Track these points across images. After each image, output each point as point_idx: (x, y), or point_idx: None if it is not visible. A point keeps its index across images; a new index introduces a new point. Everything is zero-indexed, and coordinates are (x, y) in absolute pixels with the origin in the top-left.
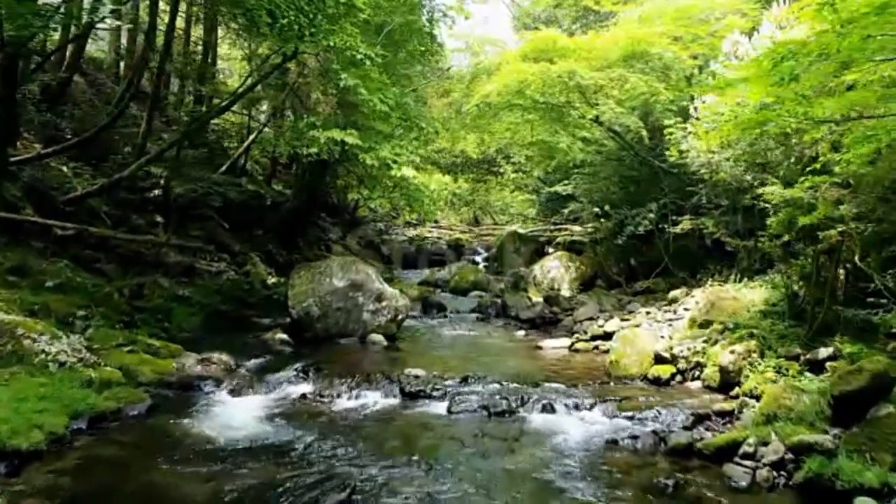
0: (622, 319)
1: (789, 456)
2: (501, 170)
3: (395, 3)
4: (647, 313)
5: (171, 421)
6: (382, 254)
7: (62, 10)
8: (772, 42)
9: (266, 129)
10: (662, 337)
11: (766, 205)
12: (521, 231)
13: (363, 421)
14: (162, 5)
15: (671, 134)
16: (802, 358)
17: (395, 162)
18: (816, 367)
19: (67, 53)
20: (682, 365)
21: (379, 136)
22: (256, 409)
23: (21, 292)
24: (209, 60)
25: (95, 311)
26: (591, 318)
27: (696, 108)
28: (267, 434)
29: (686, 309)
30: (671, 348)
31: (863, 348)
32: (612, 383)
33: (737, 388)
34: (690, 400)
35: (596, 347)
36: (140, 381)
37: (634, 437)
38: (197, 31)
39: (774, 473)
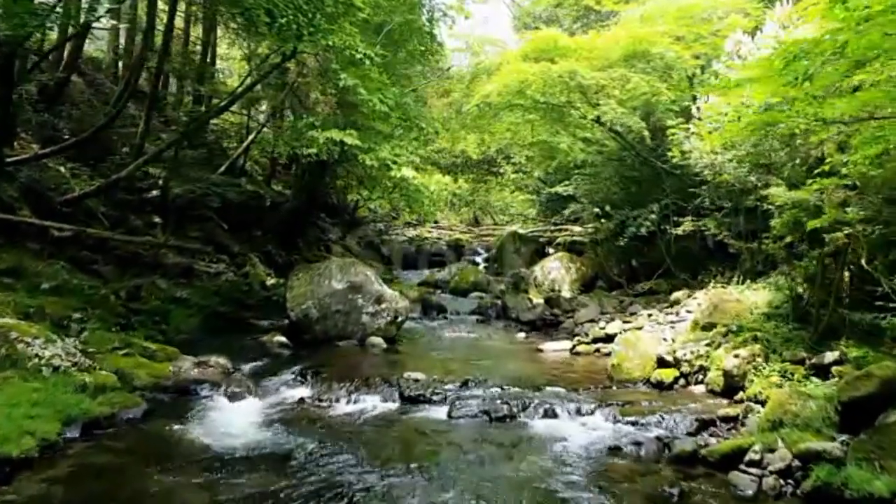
0: (624, 322)
1: (796, 463)
2: (502, 170)
3: (395, 2)
4: (649, 315)
5: (167, 426)
6: (382, 254)
7: (58, 9)
8: (777, 41)
9: (265, 130)
10: (665, 340)
11: (770, 206)
12: (521, 231)
13: (362, 426)
14: (161, 4)
15: (674, 135)
16: (808, 362)
17: (394, 162)
18: (822, 371)
19: (65, 53)
20: (685, 368)
21: (378, 136)
22: (254, 414)
23: (16, 295)
24: (208, 60)
25: (91, 313)
26: (592, 320)
27: (698, 109)
28: (264, 440)
29: (688, 311)
30: (674, 352)
31: (869, 352)
32: (614, 387)
33: (741, 393)
34: (694, 405)
35: (597, 350)
36: (135, 385)
37: (638, 444)
38: (196, 31)
39: (781, 482)
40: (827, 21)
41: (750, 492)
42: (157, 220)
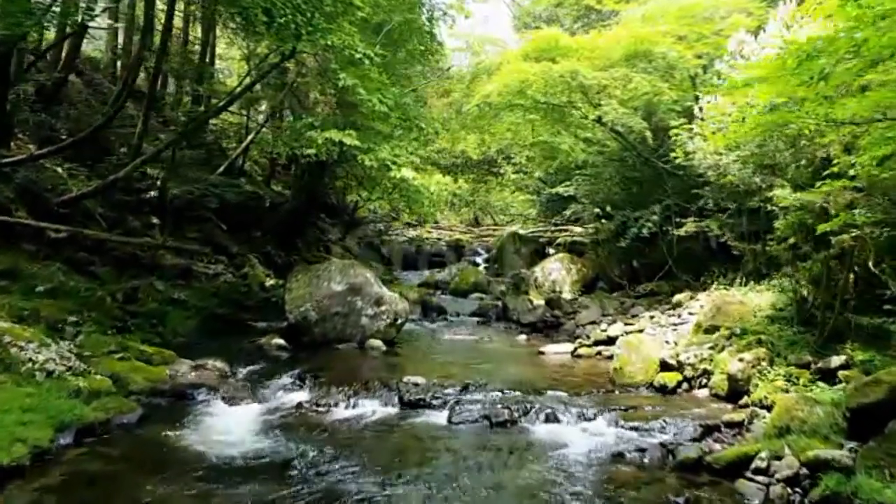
0: (625, 324)
1: (804, 471)
2: (502, 170)
3: (395, 1)
4: (651, 317)
5: (163, 432)
6: (382, 255)
7: (54, 8)
8: (784, 41)
9: (264, 130)
10: (667, 342)
11: (774, 207)
12: (521, 232)
13: (361, 432)
14: (159, 4)
15: (677, 135)
16: (813, 366)
17: (394, 163)
18: (828, 375)
19: (63, 53)
20: (688, 372)
21: (378, 136)
22: (251, 420)
23: (11, 297)
24: (207, 60)
25: (87, 316)
26: (593, 322)
27: (700, 109)
28: (261, 447)
29: (691, 313)
30: (677, 355)
31: (875, 356)
32: (616, 391)
33: (746, 397)
34: (698, 409)
35: (599, 353)
36: (131, 389)
37: (641, 451)
38: (195, 31)
39: (789, 490)
40: (838, 19)
41: (757, 501)
42: (155, 220)
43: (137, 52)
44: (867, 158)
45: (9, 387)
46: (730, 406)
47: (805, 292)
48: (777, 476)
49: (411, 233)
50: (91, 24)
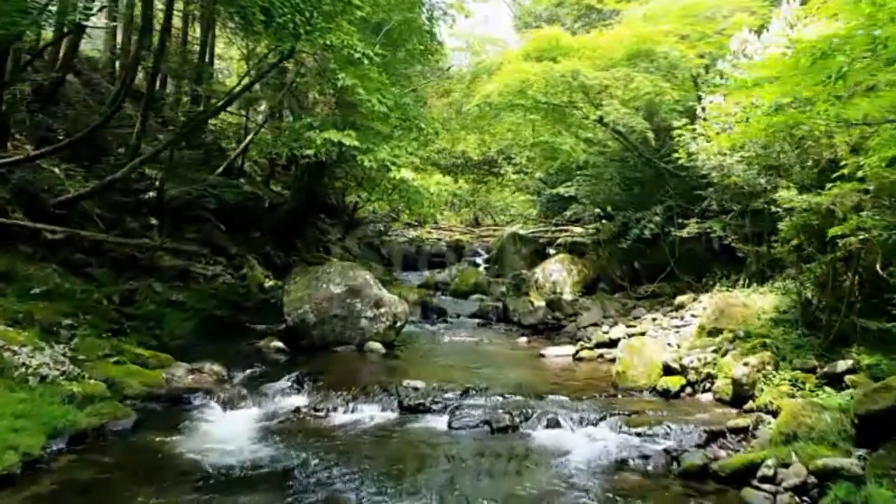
0: (627, 326)
1: (812, 480)
2: (502, 171)
3: (394, 0)
4: (653, 319)
5: (157, 438)
6: (382, 255)
7: (50, 7)
8: (790, 40)
9: (263, 130)
10: (670, 345)
11: (778, 209)
12: (521, 232)
13: (359, 437)
14: (158, 3)
15: (680, 136)
16: (819, 370)
17: (393, 163)
18: (834, 380)
19: (61, 52)
20: (692, 376)
21: (377, 136)
22: (247, 425)
23: (5, 300)
24: (206, 60)
25: (83, 319)
26: (594, 324)
27: (703, 109)
28: (258, 453)
29: (693, 315)
30: (680, 358)
31: (882, 360)
32: (619, 395)
33: (751, 402)
34: (702, 414)
35: (601, 356)
36: (126, 394)
37: (645, 457)
38: (194, 31)
39: (797, 499)
40: (851, 16)
41: None
42: (153, 221)
43: (136, 52)
44: (876, 160)
45: (1, 392)
46: (734, 411)
47: (809, 295)
48: (784, 484)
49: (411, 233)
50: (89, 23)
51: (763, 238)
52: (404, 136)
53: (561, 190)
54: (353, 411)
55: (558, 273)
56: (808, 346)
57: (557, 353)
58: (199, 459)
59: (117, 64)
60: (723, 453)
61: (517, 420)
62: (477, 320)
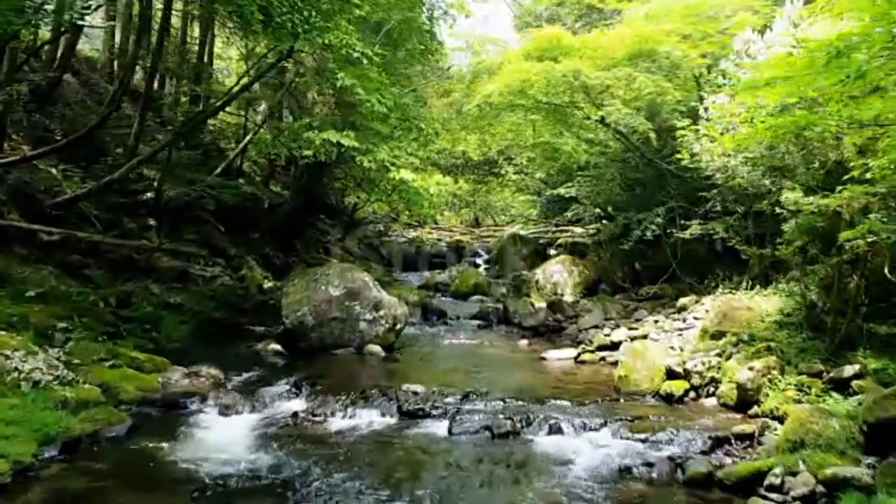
0: (629, 328)
1: (821, 489)
2: (503, 171)
3: None
4: (655, 322)
5: (152, 445)
6: (382, 255)
7: (46, 6)
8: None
9: (263, 130)
10: (673, 348)
11: (782, 210)
12: (522, 233)
13: (358, 443)
14: (156, 3)
15: (683, 136)
16: (825, 375)
17: (393, 164)
18: (841, 385)
19: (58, 51)
20: (695, 381)
21: (377, 137)
22: (244, 431)
23: (0, 303)
24: (205, 59)
25: (78, 322)
26: (596, 326)
27: (706, 109)
28: (254, 460)
29: (696, 318)
30: (684, 362)
31: (889, 364)
32: (621, 400)
33: (756, 408)
34: (706, 420)
35: (602, 359)
36: (121, 399)
37: (649, 465)
38: (193, 30)
39: None
40: (866, 13)
41: None
42: (151, 222)
43: (134, 52)
44: (886, 161)
45: None
46: (739, 416)
47: (814, 297)
48: (792, 494)
49: (411, 233)
50: (87, 22)
51: (766, 240)
52: (404, 136)
53: (562, 190)
54: (351, 416)
55: (559, 274)
56: (814, 349)
57: (559, 356)
58: (195, 467)
59: (115, 63)
60: (728, 460)
61: (518, 425)
62: (477, 322)
